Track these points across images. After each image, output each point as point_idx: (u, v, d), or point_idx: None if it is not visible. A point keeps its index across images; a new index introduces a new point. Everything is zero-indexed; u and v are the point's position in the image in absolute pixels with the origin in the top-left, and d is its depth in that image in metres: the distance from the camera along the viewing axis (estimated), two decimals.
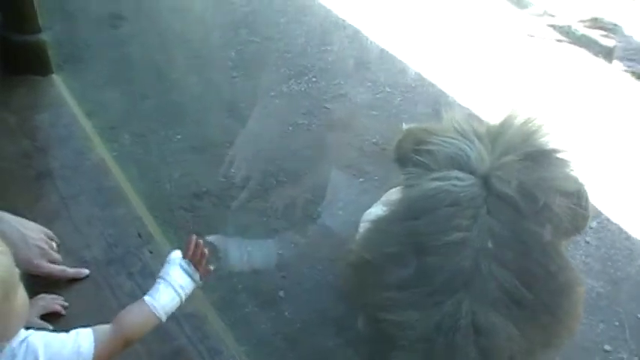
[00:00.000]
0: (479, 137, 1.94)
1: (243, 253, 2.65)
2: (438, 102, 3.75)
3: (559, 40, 4.37)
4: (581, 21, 4.37)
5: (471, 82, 3.86)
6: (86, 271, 1.77)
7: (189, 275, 1.52)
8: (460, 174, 1.86)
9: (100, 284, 1.74)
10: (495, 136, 1.93)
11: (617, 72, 4.18)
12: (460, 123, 1.98)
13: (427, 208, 1.84)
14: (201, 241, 1.56)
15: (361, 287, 2.01)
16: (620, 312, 2.66)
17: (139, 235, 1.87)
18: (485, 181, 1.85)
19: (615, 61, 4.20)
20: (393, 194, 2.93)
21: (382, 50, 4.08)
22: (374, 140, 3.50)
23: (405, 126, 2.26)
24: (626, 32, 4.38)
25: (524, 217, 1.82)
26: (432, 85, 3.86)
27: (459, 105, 3.73)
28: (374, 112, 3.67)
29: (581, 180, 1.96)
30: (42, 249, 1.66)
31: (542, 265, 1.84)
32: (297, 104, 3.64)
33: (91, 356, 1.32)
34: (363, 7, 4.43)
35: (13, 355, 1.21)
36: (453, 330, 1.75)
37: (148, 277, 1.75)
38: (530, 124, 1.93)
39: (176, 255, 1.55)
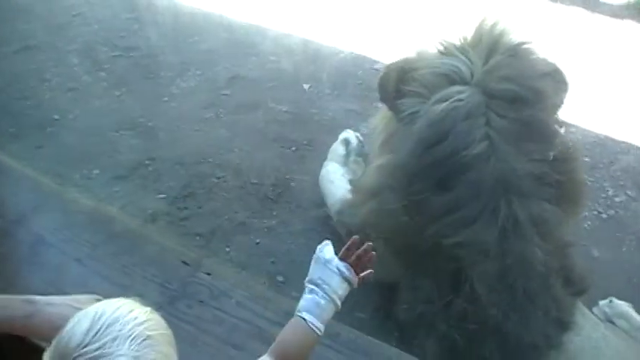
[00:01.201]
0: (461, 51, 1.99)
1: None
2: (325, 54, 3.79)
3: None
4: None
5: (344, 23, 3.91)
6: None
7: (350, 283, 1.35)
8: (459, 87, 1.92)
9: (180, 325, 1.60)
10: (473, 45, 2.00)
11: None
12: (442, 42, 2.02)
13: (445, 129, 1.88)
14: (370, 244, 1.39)
15: (402, 234, 2.00)
16: None
17: (186, 263, 1.75)
18: (482, 86, 1.91)
19: None
20: (337, 146, 2.97)
21: (247, 25, 4.03)
22: (284, 109, 3.48)
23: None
24: None
25: (526, 106, 1.91)
26: (309, 41, 3.87)
27: (342, 50, 3.79)
28: (270, 84, 3.63)
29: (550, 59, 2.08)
30: None
31: (552, 143, 1.95)
32: (195, 101, 3.53)
33: None
34: None
35: None
36: (516, 228, 1.81)
37: (222, 297, 1.66)
38: (497, 27, 2.01)
39: (330, 254, 1.35)
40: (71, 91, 3.62)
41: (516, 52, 2.00)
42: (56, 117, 3.46)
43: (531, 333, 1.78)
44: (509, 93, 1.91)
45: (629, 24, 4.07)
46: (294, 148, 3.26)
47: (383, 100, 2.12)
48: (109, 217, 1.98)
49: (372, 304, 2.44)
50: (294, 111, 3.46)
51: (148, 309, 1.06)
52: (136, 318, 1.02)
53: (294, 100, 3.52)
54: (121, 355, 0.97)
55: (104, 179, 3.08)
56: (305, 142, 3.29)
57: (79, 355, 0.96)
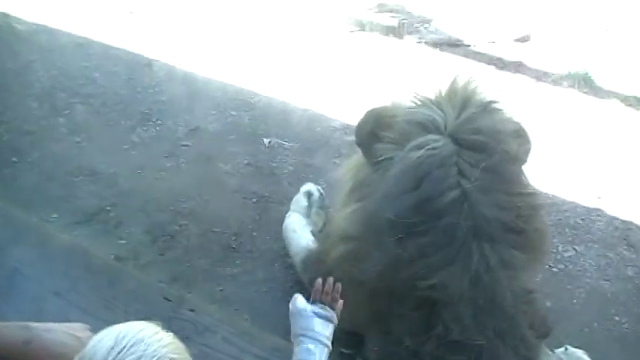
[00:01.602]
0: (435, 103, 2.12)
1: None
2: (284, 110, 3.90)
3: (352, 31, 4.73)
4: (369, 9, 4.78)
5: (303, 82, 4.05)
6: None
7: (330, 321, 1.45)
8: (434, 136, 2.04)
9: None
10: (447, 99, 2.13)
11: (412, 45, 4.66)
12: (417, 95, 2.15)
13: (420, 176, 1.99)
14: (331, 278, 1.47)
15: (374, 278, 2.07)
16: None
17: (167, 299, 1.77)
18: (455, 137, 2.04)
19: (406, 36, 4.67)
20: (300, 198, 3.05)
21: (208, 79, 4.12)
22: (245, 162, 3.55)
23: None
24: (408, 9, 4.88)
25: (494, 157, 2.04)
26: (270, 98, 3.98)
27: (300, 108, 3.91)
28: (231, 137, 3.70)
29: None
30: None
31: (521, 193, 2.08)
32: (155, 150, 3.57)
33: None
34: (165, 44, 4.41)
35: None
36: (487, 271, 1.92)
37: (206, 333, 1.68)
38: (470, 84, 2.16)
39: (303, 303, 1.47)
40: (29, 135, 3.61)
41: (487, 108, 2.14)
42: (14, 159, 3.44)
43: None
44: (480, 144, 2.03)
45: (570, 92, 4.35)
46: (254, 200, 3.32)
47: (359, 144, 2.21)
48: (86, 251, 1.98)
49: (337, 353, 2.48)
50: (254, 164, 3.53)
51: (171, 334, 1.09)
52: (160, 340, 1.04)
53: (254, 153, 3.60)
54: None
55: (63, 223, 3.05)
56: (266, 194, 3.35)
57: None
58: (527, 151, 2.20)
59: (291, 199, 3.19)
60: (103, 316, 1.72)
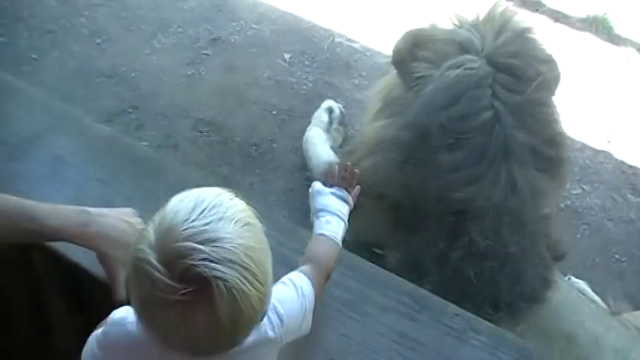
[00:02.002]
0: (473, 25, 2.15)
1: None
2: (306, 28, 3.88)
3: None
4: None
5: (325, 2, 4.03)
6: None
7: (345, 201, 1.48)
8: (471, 57, 2.07)
9: None
10: (485, 22, 2.16)
11: None
12: (456, 15, 2.17)
13: (457, 94, 2.03)
14: (348, 163, 1.53)
15: (401, 189, 2.12)
16: None
17: None
18: (491, 59, 2.07)
19: None
20: (321, 113, 3.09)
21: None
22: (265, 75, 3.56)
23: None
24: None
25: (528, 83, 2.08)
26: (293, 15, 3.96)
27: (323, 27, 3.90)
28: (252, 49, 3.70)
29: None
30: None
31: (550, 120, 2.14)
32: (176, 57, 3.56)
33: (313, 297, 1.31)
34: None
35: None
36: (514, 190, 1.99)
37: None
38: (509, 11, 2.18)
39: (320, 186, 1.50)
40: (50, 33, 3.58)
41: (522, 35, 2.17)
42: (34, 56, 3.42)
43: (521, 285, 1.95)
44: (515, 68, 2.07)
45: (587, 36, 4.35)
46: (274, 112, 3.36)
47: (396, 62, 2.24)
48: (128, 144, 2.01)
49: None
50: (274, 77, 3.55)
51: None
52: (237, 204, 1.07)
53: (275, 67, 3.61)
54: (227, 234, 1.00)
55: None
56: (285, 107, 3.39)
57: (187, 229, 0.98)
58: (557, 81, 2.24)
59: (310, 114, 3.23)
60: (145, 205, 1.73)
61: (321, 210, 1.46)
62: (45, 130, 1.99)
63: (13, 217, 1.36)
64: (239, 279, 0.96)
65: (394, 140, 2.16)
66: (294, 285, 1.29)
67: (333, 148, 3.02)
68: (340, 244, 1.45)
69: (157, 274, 0.94)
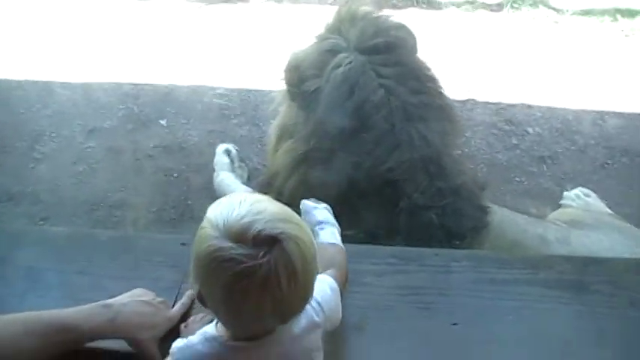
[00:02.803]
0: (331, 31, 2.46)
1: None
2: (167, 91, 4.04)
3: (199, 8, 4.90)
4: None
5: (170, 62, 4.20)
6: None
7: (329, 211, 1.70)
8: (344, 54, 2.35)
9: None
10: (338, 23, 2.47)
11: (260, 6, 4.92)
12: (316, 36, 2.46)
13: (350, 86, 2.30)
14: None
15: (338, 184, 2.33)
16: None
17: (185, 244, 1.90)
18: (360, 49, 2.36)
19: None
20: (221, 157, 3.26)
21: (85, 84, 4.13)
22: (152, 145, 3.69)
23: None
24: None
25: (397, 50, 2.38)
26: (149, 84, 4.10)
27: (182, 85, 4.07)
28: (129, 127, 3.81)
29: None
30: None
31: (427, 76, 2.44)
32: (62, 160, 3.61)
33: (339, 293, 1.48)
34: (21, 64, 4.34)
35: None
36: (428, 144, 2.27)
37: None
38: (351, 6, 2.49)
39: (311, 203, 1.70)
40: None
41: (371, 17, 2.47)
42: None
43: (467, 218, 2.21)
44: (382, 46, 2.36)
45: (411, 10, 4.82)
46: (176, 175, 3.49)
47: (288, 83, 2.45)
48: (86, 233, 2.10)
49: None
50: (161, 145, 3.68)
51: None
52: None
53: (157, 135, 3.74)
54: (274, 207, 1.19)
55: None
56: (183, 166, 3.53)
57: (239, 213, 1.16)
58: (415, 40, 2.54)
59: (208, 164, 3.39)
60: (133, 276, 1.82)
61: (322, 222, 1.64)
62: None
63: (45, 333, 1.39)
64: (297, 230, 1.17)
65: (310, 149, 2.37)
66: (325, 282, 1.45)
67: (244, 183, 3.20)
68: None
69: (233, 252, 1.12)
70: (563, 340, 1.63)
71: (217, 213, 1.18)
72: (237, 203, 1.18)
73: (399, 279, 1.76)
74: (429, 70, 2.48)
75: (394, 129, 2.27)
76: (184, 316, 1.66)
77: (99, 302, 1.52)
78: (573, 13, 4.87)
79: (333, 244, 1.59)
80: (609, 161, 3.66)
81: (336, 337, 1.50)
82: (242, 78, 4.10)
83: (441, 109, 2.40)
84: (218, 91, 4.07)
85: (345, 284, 1.54)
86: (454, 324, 1.65)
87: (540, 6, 4.97)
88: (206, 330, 1.33)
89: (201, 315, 1.66)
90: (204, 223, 1.21)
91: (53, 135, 3.78)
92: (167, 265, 1.85)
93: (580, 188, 3.29)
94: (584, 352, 1.61)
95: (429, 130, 2.30)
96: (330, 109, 2.32)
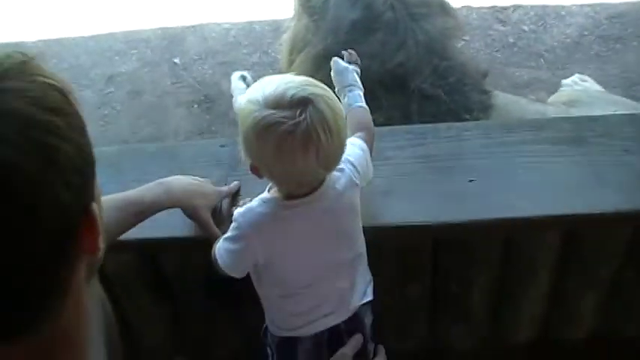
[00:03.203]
0: None
1: None
2: (176, 33, 4.21)
3: None
4: None
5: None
6: None
7: (359, 74, 1.79)
8: None
9: None
10: None
11: None
12: None
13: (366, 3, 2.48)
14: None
15: None
16: None
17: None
18: None
19: None
20: (237, 84, 3.46)
21: (99, 35, 4.32)
22: (168, 83, 3.90)
23: None
24: None
25: None
26: (159, 27, 4.28)
27: (189, 25, 4.23)
28: (145, 70, 4.02)
29: None
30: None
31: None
32: (86, 106, 3.78)
33: (369, 151, 1.67)
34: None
35: None
36: (432, 42, 2.47)
37: None
38: None
39: (343, 63, 1.77)
40: None
41: None
42: None
43: (472, 98, 2.43)
44: None
45: None
46: (196, 106, 3.70)
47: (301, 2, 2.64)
48: (135, 148, 2.31)
49: None
50: (177, 81, 3.88)
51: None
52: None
53: (172, 74, 3.94)
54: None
55: None
56: (201, 97, 3.74)
57: (275, 84, 1.36)
58: None
59: (225, 93, 3.60)
60: None
61: (351, 85, 1.75)
62: None
63: (123, 207, 1.61)
64: (324, 91, 1.39)
65: (325, 47, 2.54)
66: (356, 145, 1.63)
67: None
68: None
69: (275, 116, 1.33)
70: (566, 184, 1.85)
71: (253, 92, 1.40)
72: (267, 81, 1.40)
73: (418, 150, 1.96)
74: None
75: (398, 28, 2.47)
76: (233, 200, 1.87)
77: (153, 182, 1.71)
78: None
79: (360, 105, 1.73)
80: (604, 49, 3.83)
81: (367, 201, 1.72)
82: (244, 11, 4.27)
83: (440, 5, 2.60)
84: (224, 26, 4.24)
85: (372, 143, 1.71)
86: (471, 180, 1.86)
87: None
88: (262, 196, 1.55)
89: (249, 198, 1.88)
90: (244, 105, 1.41)
91: (74, 85, 3.95)
92: (211, 165, 2.05)
93: (577, 75, 3.46)
94: (585, 193, 1.83)
95: (431, 25, 2.51)
96: (339, 12, 2.51)
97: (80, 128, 0.88)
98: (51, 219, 0.79)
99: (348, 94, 1.73)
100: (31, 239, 0.77)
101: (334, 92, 1.49)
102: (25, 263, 0.78)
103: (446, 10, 2.61)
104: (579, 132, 2.01)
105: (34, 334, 0.84)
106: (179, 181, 1.76)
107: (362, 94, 1.75)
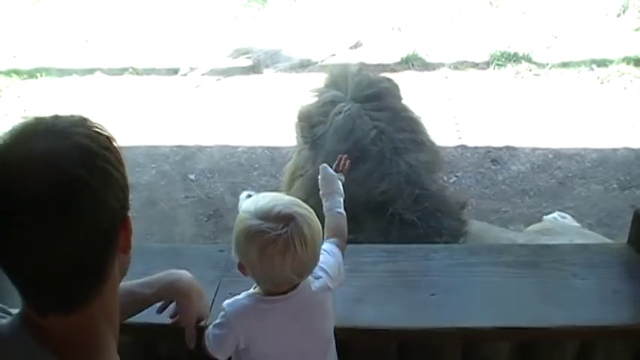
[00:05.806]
0: (330, 86, 3.01)
1: None
2: (195, 151, 4.61)
3: (218, 79, 5.55)
4: (228, 56, 5.63)
5: (200, 128, 4.78)
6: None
7: (342, 182, 2.05)
8: (343, 103, 2.89)
9: None
10: (334, 78, 3.03)
11: (271, 77, 5.56)
12: (313, 90, 3.02)
13: (349, 129, 2.82)
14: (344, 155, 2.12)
15: None
16: None
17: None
18: (354, 98, 2.91)
19: (265, 70, 5.56)
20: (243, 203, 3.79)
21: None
22: (183, 196, 4.23)
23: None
24: (258, 48, 5.77)
25: (386, 98, 2.94)
26: (179, 146, 4.68)
27: (207, 145, 4.64)
28: (162, 183, 4.37)
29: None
30: None
31: (411, 117, 2.98)
32: None
33: (341, 255, 1.90)
34: None
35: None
36: (413, 171, 2.78)
37: None
38: (343, 66, 3.07)
39: (331, 170, 2.04)
40: None
41: (362, 73, 3.05)
42: None
43: (445, 226, 2.71)
44: (373, 94, 2.91)
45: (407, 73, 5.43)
46: (205, 219, 4.03)
47: (303, 133, 3.00)
48: (143, 246, 2.55)
49: None
50: (190, 195, 4.23)
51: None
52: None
53: (187, 188, 4.29)
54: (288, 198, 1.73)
55: None
56: (211, 212, 4.07)
57: (265, 201, 1.65)
58: (399, 89, 3.09)
59: (232, 210, 3.92)
60: None
61: (334, 192, 2.00)
62: None
63: (132, 292, 1.78)
64: (306, 211, 1.67)
65: (315, 183, 2.87)
66: (328, 252, 1.87)
67: None
68: None
69: (263, 226, 1.61)
70: (518, 301, 2.10)
71: (250, 203, 1.71)
72: (262, 196, 1.71)
73: (389, 265, 2.23)
74: (412, 113, 3.02)
75: (384, 161, 2.78)
76: None
77: (164, 271, 1.91)
78: (552, 67, 5.45)
79: (339, 212, 1.98)
80: (585, 190, 4.14)
81: (341, 306, 1.97)
82: (259, 137, 4.68)
83: (423, 143, 2.93)
84: (239, 149, 4.64)
85: (344, 247, 1.94)
86: (432, 294, 2.12)
87: (523, 62, 5.56)
88: (248, 291, 1.82)
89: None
90: (240, 212, 1.71)
91: None
92: (208, 266, 2.30)
93: (557, 212, 3.76)
94: (535, 309, 2.07)
95: (415, 159, 2.82)
96: (334, 146, 2.84)
97: (122, 162, 1.25)
98: (105, 219, 1.18)
99: (330, 199, 2.00)
100: (92, 231, 1.16)
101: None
102: (89, 247, 1.16)
103: (427, 146, 2.94)
104: (535, 257, 2.28)
105: (92, 302, 1.21)
106: (186, 275, 1.93)
107: (342, 200, 2.01)
